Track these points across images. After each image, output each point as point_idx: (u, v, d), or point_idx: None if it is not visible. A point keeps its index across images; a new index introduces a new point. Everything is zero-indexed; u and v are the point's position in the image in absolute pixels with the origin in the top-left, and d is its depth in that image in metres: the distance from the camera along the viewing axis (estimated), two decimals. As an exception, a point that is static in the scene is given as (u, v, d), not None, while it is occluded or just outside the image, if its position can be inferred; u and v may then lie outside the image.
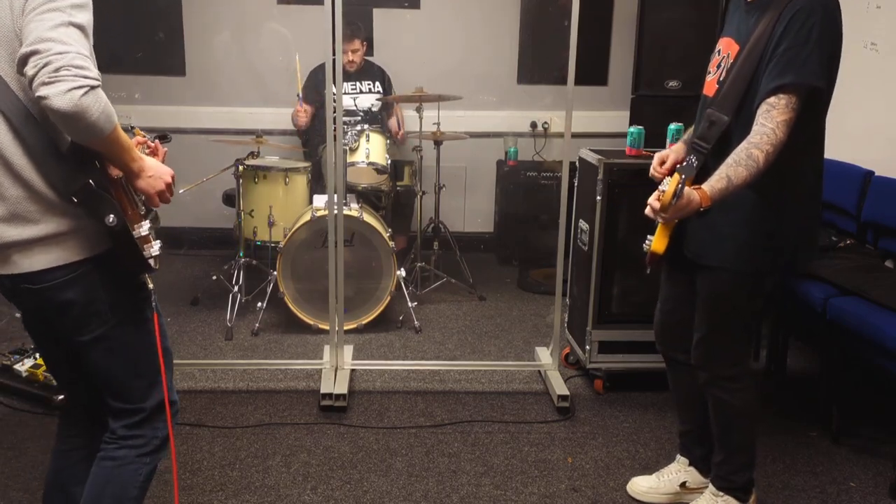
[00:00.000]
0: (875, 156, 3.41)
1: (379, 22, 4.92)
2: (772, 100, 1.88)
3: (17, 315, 3.95)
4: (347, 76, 4.46)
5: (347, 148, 3.87)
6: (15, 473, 2.54)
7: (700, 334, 2.21)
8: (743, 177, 1.85)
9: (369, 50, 4.68)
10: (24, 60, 1.40)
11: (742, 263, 2.08)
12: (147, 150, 1.76)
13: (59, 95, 1.37)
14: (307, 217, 3.66)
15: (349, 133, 3.94)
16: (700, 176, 1.99)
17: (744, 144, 1.88)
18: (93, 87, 1.40)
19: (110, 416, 1.79)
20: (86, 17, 1.50)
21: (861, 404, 3.13)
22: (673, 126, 2.92)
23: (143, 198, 1.66)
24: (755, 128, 1.89)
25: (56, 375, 2.00)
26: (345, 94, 4.46)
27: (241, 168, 3.87)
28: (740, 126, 1.97)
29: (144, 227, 1.63)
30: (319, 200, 3.70)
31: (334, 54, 2.93)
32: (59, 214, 1.58)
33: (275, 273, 3.76)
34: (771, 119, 1.87)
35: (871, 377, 3.16)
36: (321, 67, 4.23)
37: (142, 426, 1.79)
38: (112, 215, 1.56)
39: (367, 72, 4.57)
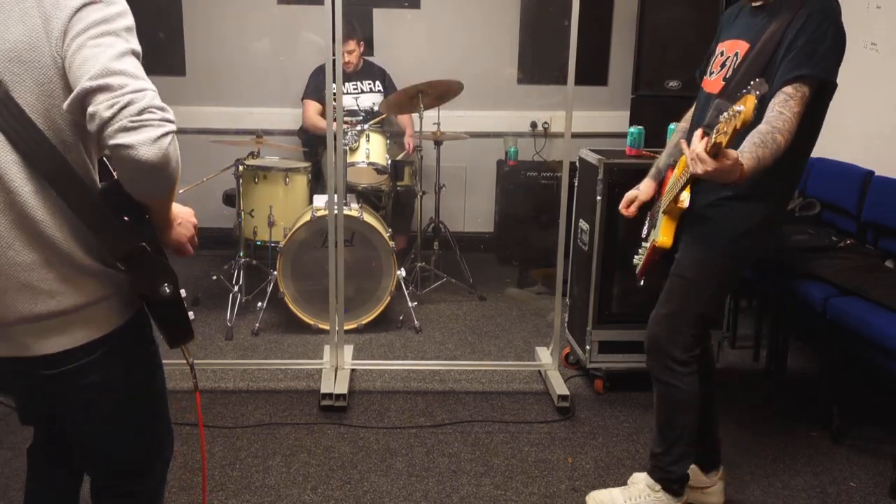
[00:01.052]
0: (875, 156, 3.41)
1: (379, 22, 4.92)
2: (789, 90, 1.91)
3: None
4: (348, 76, 4.46)
5: (347, 148, 3.87)
6: (15, 473, 2.54)
7: (666, 309, 2.22)
8: (767, 158, 1.86)
9: (369, 50, 4.68)
10: (87, 97, 1.17)
11: (726, 242, 2.11)
12: None
13: (146, 145, 1.15)
14: (307, 217, 3.66)
15: (349, 133, 3.95)
16: None
17: (766, 127, 1.89)
18: (174, 133, 1.21)
19: (99, 499, 1.60)
20: (137, 44, 1.28)
21: (861, 404, 3.13)
22: (673, 126, 2.93)
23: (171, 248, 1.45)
24: (772, 114, 1.91)
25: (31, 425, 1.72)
26: (346, 93, 4.46)
27: (241, 168, 3.87)
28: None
29: (181, 289, 1.40)
30: (319, 200, 3.70)
31: (334, 54, 2.93)
32: (83, 283, 1.32)
33: (275, 273, 3.76)
34: (789, 108, 1.90)
35: (871, 377, 3.16)
36: (322, 68, 4.23)
37: None
38: (167, 284, 1.33)
39: (368, 72, 4.57)
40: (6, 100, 1.22)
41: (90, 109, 1.17)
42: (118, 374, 1.41)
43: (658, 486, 2.32)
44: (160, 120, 1.18)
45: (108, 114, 1.15)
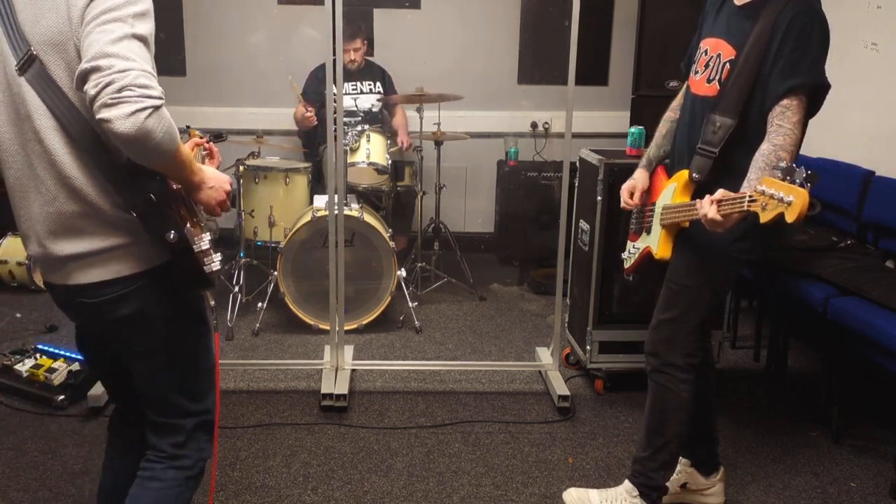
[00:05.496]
0: (875, 156, 3.41)
1: (379, 22, 4.92)
2: (785, 101, 1.91)
3: (18, 315, 3.95)
4: (348, 76, 4.46)
5: (348, 148, 3.87)
6: (15, 473, 2.54)
7: (666, 316, 2.21)
8: None
9: (369, 50, 4.68)
10: (84, 77, 1.32)
11: (721, 246, 2.10)
12: (204, 152, 1.74)
13: (121, 119, 1.29)
14: (308, 217, 3.66)
15: (349, 133, 3.95)
16: (709, 182, 2.00)
17: (769, 147, 1.90)
18: (157, 108, 1.33)
19: (153, 433, 1.73)
20: (148, 28, 1.44)
21: (861, 404, 3.13)
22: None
23: (203, 208, 1.61)
24: (773, 129, 1.92)
25: (105, 387, 1.98)
26: (345, 94, 4.46)
27: (241, 168, 3.87)
28: (747, 128, 2.00)
29: (205, 241, 1.56)
30: (320, 201, 3.70)
31: (334, 54, 2.93)
32: (117, 228, 1.53)
33: (275, 273, 3.76)
34: (788, 119, 1.91)
35: (871, 377, 3.16)
36: (322, 67, 4.23)
37: (187, 445, 1.73)
38: (173, 232, 1.50)
39: (368, 72, 4.57)
40: (44, 76, 1.43)
41: (84, 87, 1.32)
42: (155, 309, 1.58)
43: (636, 492, 2.30)
44: (138, 96, 1.31)
45: (93, 91, 1.30)
